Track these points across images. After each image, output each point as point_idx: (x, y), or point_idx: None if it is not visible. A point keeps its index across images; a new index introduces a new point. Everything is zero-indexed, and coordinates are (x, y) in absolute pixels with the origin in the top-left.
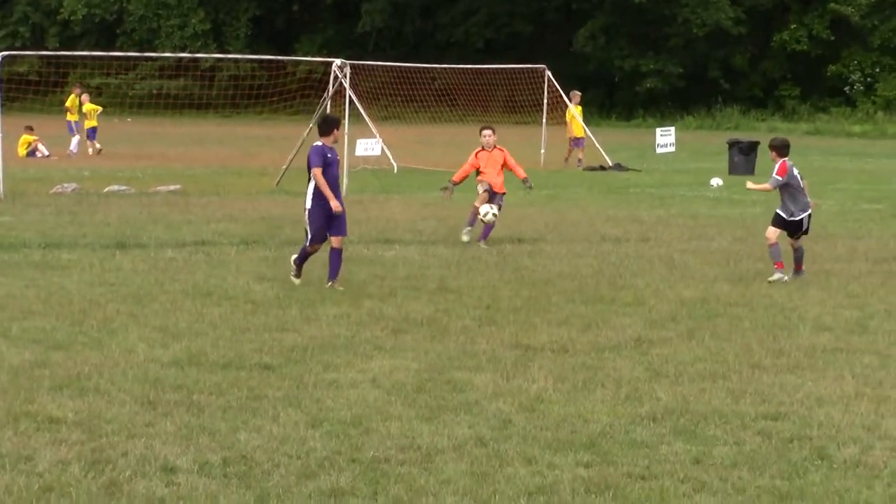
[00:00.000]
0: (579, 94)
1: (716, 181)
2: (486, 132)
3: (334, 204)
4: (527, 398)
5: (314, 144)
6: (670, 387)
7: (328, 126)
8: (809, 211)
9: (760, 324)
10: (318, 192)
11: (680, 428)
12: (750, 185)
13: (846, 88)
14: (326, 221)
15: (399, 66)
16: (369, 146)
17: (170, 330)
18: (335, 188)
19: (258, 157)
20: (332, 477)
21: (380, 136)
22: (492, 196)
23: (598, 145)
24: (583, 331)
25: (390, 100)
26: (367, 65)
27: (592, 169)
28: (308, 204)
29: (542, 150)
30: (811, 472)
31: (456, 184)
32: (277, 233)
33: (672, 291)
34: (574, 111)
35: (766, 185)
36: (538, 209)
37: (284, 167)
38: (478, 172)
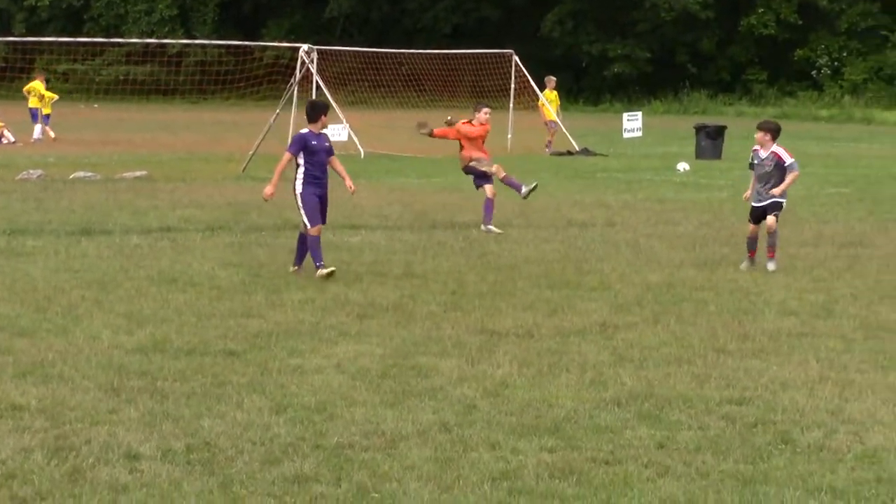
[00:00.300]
0: (554, 79)
1: (683, 166)
2: (486, 109)
3: (267, 189)
4: (491, 383)
5: (300, 131)
6: (635, 371)
7: (315, 112)
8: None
9: (726, 308)
10: (307, 174)
11: (644, 412)
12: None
13: (813, 72)
14: (320, 202)
15: (366, 52)
16: (336, 132)
17: (134, 316)
18: (325, 175)
19: (225, 143)
20: (295, 463)
21: (347, 122)
22: (488, 161)
23: (565, 130)
24: (548, 315)
25: (357, 85)
26: (335, 50)
27: (559, 154)
28: (298, 188)
29: (510, 136)
30: (775, 456)
31: (433, 134)
32: (243, 219)
33: (638, 276)
34: (543, 98)
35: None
36: (505, 194)
37: (251, 153)
38: (461, 147)
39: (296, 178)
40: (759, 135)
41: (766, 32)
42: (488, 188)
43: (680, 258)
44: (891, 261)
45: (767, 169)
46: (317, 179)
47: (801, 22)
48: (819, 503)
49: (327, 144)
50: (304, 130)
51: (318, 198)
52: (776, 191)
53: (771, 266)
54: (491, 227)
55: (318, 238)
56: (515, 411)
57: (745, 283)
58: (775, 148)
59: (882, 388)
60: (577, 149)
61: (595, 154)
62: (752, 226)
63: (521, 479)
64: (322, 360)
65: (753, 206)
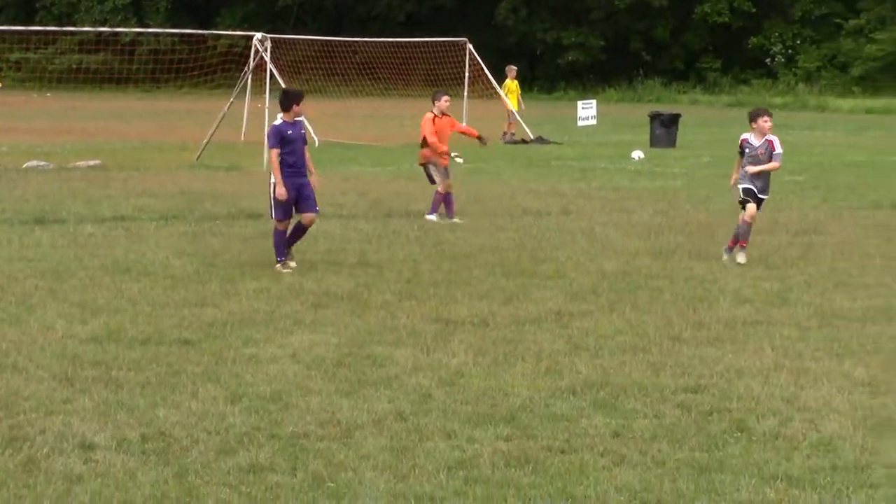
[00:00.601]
0: (515, 68)
1: (637, 154)
2: (446, 97)
3: (280, 190)
4: (447, 372)
5: (273, 123)
6: (590, 360)
7: (287, 101)
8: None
9: (681, 296)
10: (283, 164)
11: (600, 401)
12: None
13: (767, 60)
14: (293, 197)
15: (320, 40)
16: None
17: (88, 306)
18: (302, 164)
19: (178, 132)
20: (251, 453)
21: (301, 110)
22: (445, 170)
23: (519, 119)
24: (503, 304)
25: (312, 73)
26: (289, 38)
27: (514, 142)
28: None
29: (464, 124)
30: (730, 444)
31: (447, 153)
32: (197, 207)
33: (593, 264)
34: (499, 89)
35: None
36: (460, 182)
37: (205, 141)
38: (425, 143)
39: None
40: (768, 122)
41: (719, 20)
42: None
43: (635, 246)
44: (845, 248)
45: (762, 158)
46: (292, 169)
47: (754, 10)
48: (774, 491)
49: (303, 132)
50: (278, 121)
51: (293, 190)
52: (753, 168)
53: (727, 256)
54: (455, 219)
55: (283, 232)
56: (471, 400)
57: (701, 272)
58: (770, 136)
59: (837, 376)
60: (532, 137)
61: (550, 142)
62: (751, 205)
63: (476, 467)
64: (277, 349)
65: (745, 187)
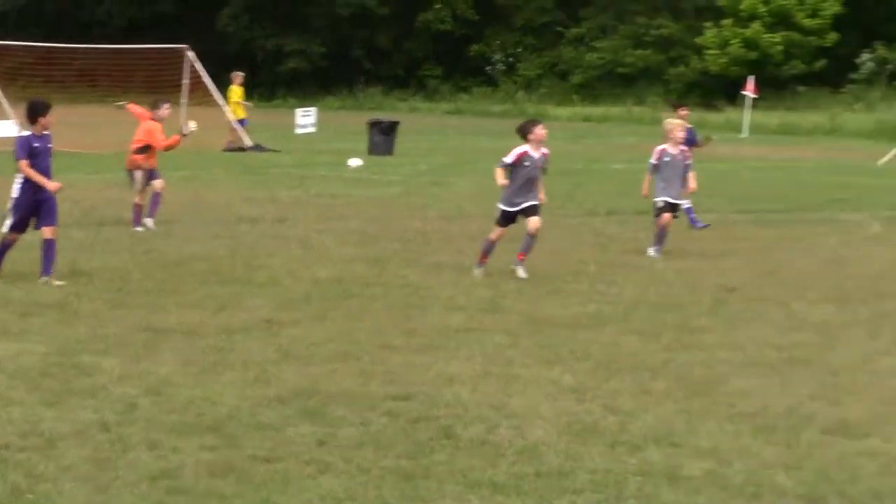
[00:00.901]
0: (241, 74)
1: (354, 161)
2: (167, 105)
3: (52, 185)
4: (154, 381)
5: (20, 135)
6: (300, 368)
7: (32, 113)
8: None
9: (394, 304)
10: (26, 181)
11: (308, 409)
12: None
13: (488, 68)
14: (31, 211)
15: (38, 46)
16: (4, 128)
17: None
18: (48, 178)
19: None
20: None
21: (16, 118)
22: (152, 174)
23: (237, 126)
24: (215, 312)
25: (29, 80)
26: (5, 45)
27: (232, 150)
28: (15, 192)
29: (185, 132)
30: (437, 451)
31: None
32: None
33: (307, 272)
34: (219, 96)
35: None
36: (173, 190)
37: None
38: (144, 150)
39: (15, 181)
40: (545, 130)
41: (442, 28)
42: (157, 183)
43: (350, 254)
44: (560, 256)
45: (538, 171)
46: (37, 184)
47: (477, 17)
48: (479, 497)
49: (49, 146)
50: (26, 133)
51: (31, 204)
52: (543, 195)
53: (522, 272)
54: (149, 221)
55: (10, 243)
56: (177, 409)
57: (415, 279)
58: (544, 148)
59: (545, 383)
60: (250, 144)
61: (267, 150)
62: (501, 229)
63: (180, 478)
64: None
65: (507, 210)
